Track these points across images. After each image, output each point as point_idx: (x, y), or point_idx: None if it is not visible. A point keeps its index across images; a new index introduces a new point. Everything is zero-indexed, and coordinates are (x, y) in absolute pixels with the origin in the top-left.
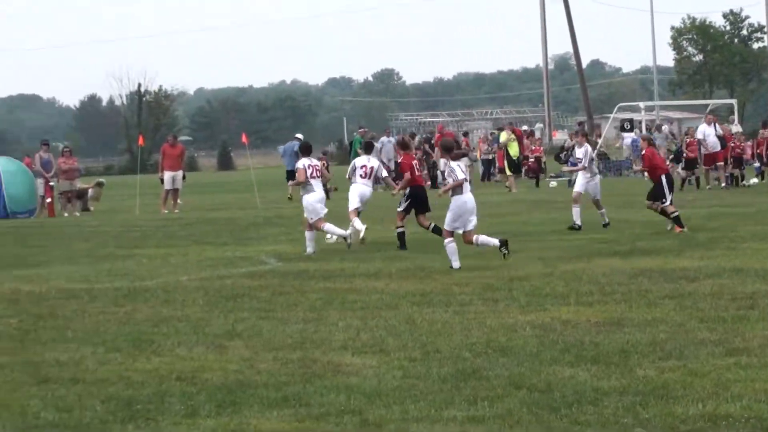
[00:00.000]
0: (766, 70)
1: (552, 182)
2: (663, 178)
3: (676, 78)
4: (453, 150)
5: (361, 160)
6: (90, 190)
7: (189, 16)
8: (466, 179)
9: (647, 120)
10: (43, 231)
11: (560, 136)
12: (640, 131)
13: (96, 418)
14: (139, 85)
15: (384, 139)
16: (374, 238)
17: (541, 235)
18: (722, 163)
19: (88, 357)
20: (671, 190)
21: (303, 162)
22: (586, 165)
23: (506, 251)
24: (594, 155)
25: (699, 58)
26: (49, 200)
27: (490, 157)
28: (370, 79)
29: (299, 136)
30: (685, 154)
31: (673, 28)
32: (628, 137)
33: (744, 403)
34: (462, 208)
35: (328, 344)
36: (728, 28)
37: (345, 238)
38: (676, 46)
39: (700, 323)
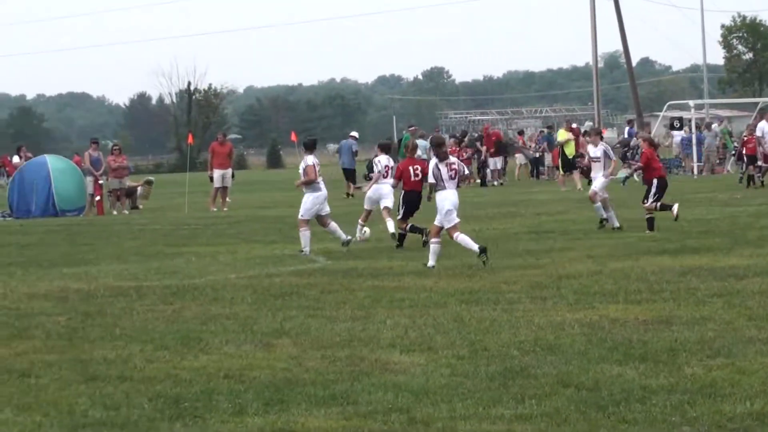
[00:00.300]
0: None
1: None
2: (655, 180)
3: (725, 76)
4: (442, 147)
5: (383, 161)
6: (139, 189)
7: (238, 14)
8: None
9: (697, 118)
10: (92, 229)
11: (609, 134)
12: (690, 129)
13: (143, 416)
14: (189, 83)
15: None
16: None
17: (590, 233)
18: None
19: (136, 355)
20: (659, 195)
21: (311, 159)
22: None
23: (486, 258)
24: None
25: (749, 56)
26: (98, 198)
27: (537, 155)
28: (420, 77)
29: (354, 134)
30: (744, 150)
31: (723, 26)
32: (678, 135)
33: None
34: (444, 204)
35: (375, 342)
36: None
37: (343, 243)
38: (726, 44)
39: (748, 321)
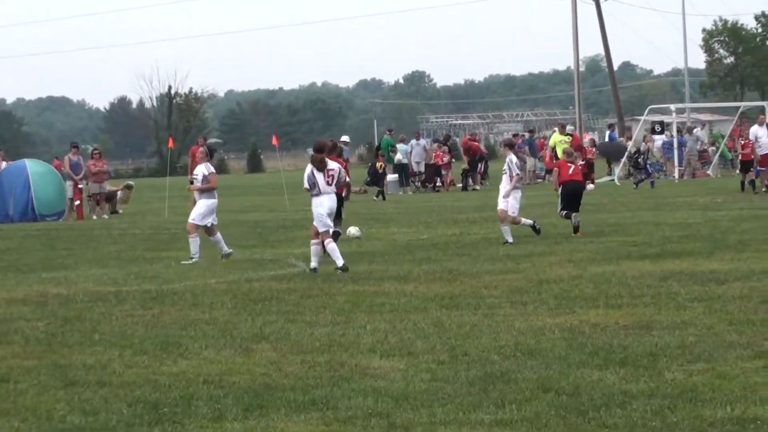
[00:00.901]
0: None
1: (589, 185)
2: (560, 188)
3: (707, 80)
4: (323, 151)
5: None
6: (119, 193)
7: (220, 18)
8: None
9: (678, 122)
10: (72, 234)
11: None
12: (671, 133)
13: (122, 422)
14: (169, 87)
15: (413, 141)
16: (403, 241)
17: (570, 237)
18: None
19: (115, 360)
20: (567, 199)
21: (211, 167)
22: (515, 176)
23: (342, 272)
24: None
25: (730, 60)
26: (77, 203)
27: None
28: (401, 81)
29: (345, 138)
30: (740, 156)
31: (704, 30)
32: (659, 139)
33: None
34: (320, 210)
35: (355, 347)
36: (760, 30)
37: (223, 255)
38: (708, 48)
39: (729, 326)
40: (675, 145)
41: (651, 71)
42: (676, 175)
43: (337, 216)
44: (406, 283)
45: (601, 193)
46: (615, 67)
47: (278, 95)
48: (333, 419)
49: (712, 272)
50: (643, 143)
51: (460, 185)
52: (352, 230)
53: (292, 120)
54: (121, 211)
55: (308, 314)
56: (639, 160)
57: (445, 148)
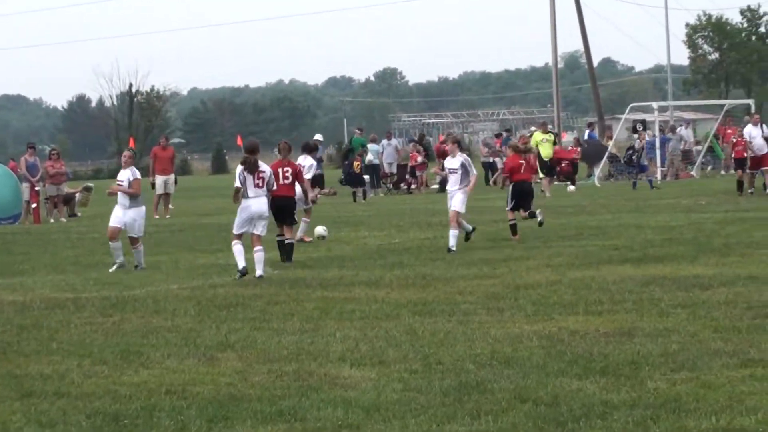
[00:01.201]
0: None
1: (570, 186)
2: (511, 186)
3: (690, 77)
4: (255, 153)
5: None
6: (78, 195)
7: (182, 13)
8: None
9: (660, 121)
10: (29, 238)
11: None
12: (654, 133)
13: None
14: (130, 85)
15: (385, 141)
16: (374, 245)
17: (549, 241)
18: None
19: (74, 370)
20: (516, 199)
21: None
22: (472, 178)
23: (241, 276)
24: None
25: (715, 56)
26: (34, 206)
27: (491, 160)
28: (372, 78)
29: (319, 137)
30: (732, 155)
31: (688, 25)
32: None
33: (759, 416)
34: (245, 213)
35: (325, 356)
36: (745, 25)
37: (120, 265)
38: (691, 43)
39: (713, 333)
40: (657, 144)
41: (632, 68)
42: (659, 176)
43: (290, 221)
44: (378, 288)
45: (581, 195)
46: (595, 64)
47: (244, 93)
48: (301, 431)
49: (696, 277)
50: (638, 141)
51: (435, 186)
52: (320, 230)
53: (259, 119)
54: (79, 214)
55: (275, 321)
56: (633, 158)
57: (420, 148)
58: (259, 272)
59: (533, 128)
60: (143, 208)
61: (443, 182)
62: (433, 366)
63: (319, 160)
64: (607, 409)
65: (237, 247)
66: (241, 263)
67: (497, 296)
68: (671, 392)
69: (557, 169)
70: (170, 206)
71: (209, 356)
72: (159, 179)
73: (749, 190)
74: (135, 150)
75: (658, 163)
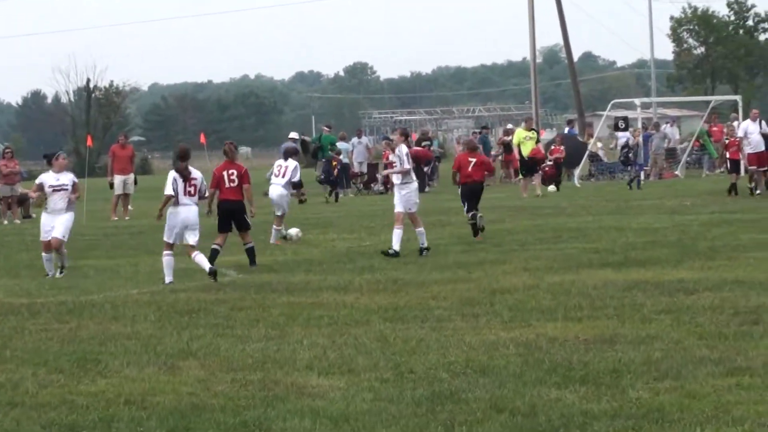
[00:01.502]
0: None
1: (551, 187)
2: (460, 188)
3: (675, 72)
4: (187, 158)
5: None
6: (32, 195)
7: (143, 5)
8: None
9: (643, 118)
10: None
11: (548, 135)
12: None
13: None
14: (88, 81)
15: (355, 139)
16: (344, 248)
17: (526, 243)
18: (764, 168)
19: (28, 379)
20: (467, 200)
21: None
22: (407, 167)
23: (215, 279)
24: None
25: (700, 50)
26: None
27: None
28: (341, 73)
29: (294, 135)
30: (727, 155)
31: (672, 18)
32: (623, 137)
33: (746, 427)
34: (173, 220)
35: (291, 364)
36: (732, 18)
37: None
38: (676, 37)
39: (698, 340)
40: (640, 143)
41: (614, 63)
42: (641, 176)
43: (242, 225)
44: (347, 293)
45: (560, 196)
46: (575, 58)
47: (207, 89)
48: None
49: (681, 281)
50: (632, 137)
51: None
52: (293, 232)
53: (222, 116)
54: (34, 215)
55: (240, 328)
56: (629, 155)
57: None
58: (208, 267)
59: (510, 125)
60: (73, 213)
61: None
62: (405, 375)
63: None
64: (587, 419)
65: (166, 259)
66: (168, 277)
67: (472, 301)
68: (654, 402)
69: (541, 171)
70: (129, 207)
71: (170, 364)
72: (118, 179)
73: (757, 191)
74: (90, 149)
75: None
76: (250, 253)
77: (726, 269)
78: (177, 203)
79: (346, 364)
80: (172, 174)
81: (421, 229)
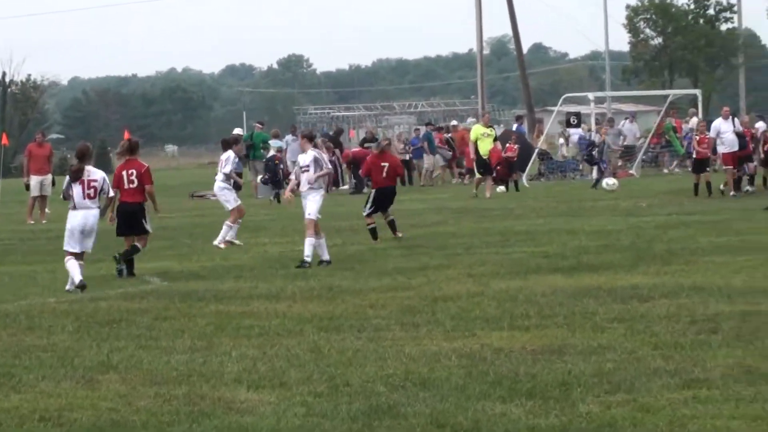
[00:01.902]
0: (735, 56)
1: (500, 187)
2: (373, 192)
3: (631, 64)
4: (84, 159)
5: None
6: None
7: None
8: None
9: (597, 113)
10: None
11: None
12: (589, 127)
13: None
14: (3, 75)
15: (289, 137)
16: (276, 253)
17: (471, 248)
18: (732, 167)
19: None
20: (376, 205)
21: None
22: (325, 170)
23: (81, 289)
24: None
25: (658, 41)
26: None
27: (407, 157)
28: (275, 66)
29: (238, 131)
30: (695, 153)
31: (628, 6)
32: (575, 133)
33: None
34: (71, 224)
35: (219, 377)
36: (692, 6)
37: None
38: (632, 27)
39: (653, 350)
40: (607, 140)
41: (566, 54)
42: (594, 174)
43: (138, 230)
44: (279, 302)
45: (508, 197)
46: (525, 50)
47: (131, 83)
48: None
49: (635, 288)
50: (598, 135)
51: (345, 187)
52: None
53: (148, 112)
54: None
55: (164, 339)
56: (593, 153)
57: (330, 144)
58: (78, 279)
59: (454, 121)
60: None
61: (359, 183)
62: (340, 388)
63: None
64: None
65: (70, 263)
66: (77, 277)
67: (413, 310)
68: (605, 416)
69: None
70: (47, 210)
71: (89, 378)
72: (34, 180)
73: (732, 193)
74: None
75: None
76: (128, 254)
77: (683, 274)
78: (75, 207)
79: (278, 377)
80: (67, 179)
81: (320, 241)
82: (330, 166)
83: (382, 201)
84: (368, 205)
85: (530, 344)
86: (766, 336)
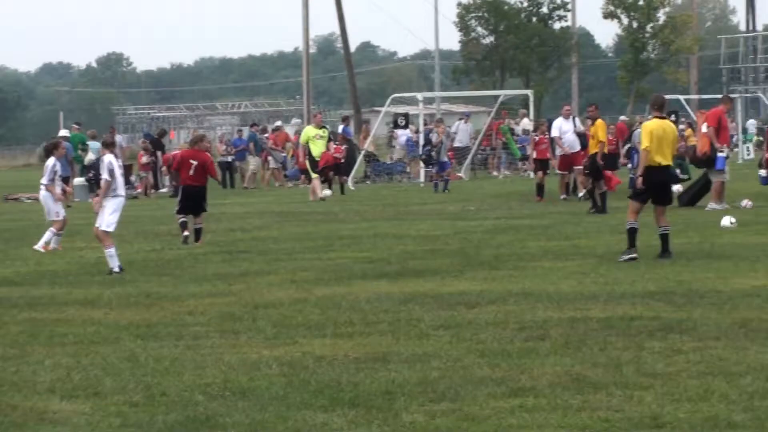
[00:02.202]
0: (568, 55)
1: (326, 191)
2: (181, 188)
3: (462, 64)
4: None
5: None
6: None
7: None
8: None
9: (426, 114)
10: None
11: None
12: (417, 128)
13: None
14: None
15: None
16: (92, 258)
17: (294, 253)
18: (581, 167)
19: None
20: (181, 202)
21: None
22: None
23: None
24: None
25: (490, 40)
26: None
27: (229, 159)
28: (94, 65)
29: (64, 133)
30: (534, 154)
31: (460, 4)
32: (403, 135)
33: None
34: None
35: (31, 387)
36: (525, 4)
37: None
38: (463, 26)
39: (479, 358)
40: (421, 141)
41: (395, 53)
42: (422, 177)
43: None
44: (95, 309)
45: (332, 201)
46: (352, 49)
47: None
48: None
49: (462, 294)
50: (435, 134)
51: (164, 190)
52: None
53: None
54: None
55: None
56: (431, 154)
57: (149, 146)
58: None
59: (278, 122)
60: None
61: (176, 187)
62: (157, 398)
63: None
64: None
65: None
66: None
67: (233, 317)
68: (430, 425)
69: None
70: None
71: None
72: None
73: (561, 196)
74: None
75: (422, 163)
76: None
77: (511, 280)
78: None
79: (92, 387)
80: None
81: (111, 250)
82: (107, 177)
83: (189, 202)
84: (177, 204)
85: (353, 352)
86: (595, 343)
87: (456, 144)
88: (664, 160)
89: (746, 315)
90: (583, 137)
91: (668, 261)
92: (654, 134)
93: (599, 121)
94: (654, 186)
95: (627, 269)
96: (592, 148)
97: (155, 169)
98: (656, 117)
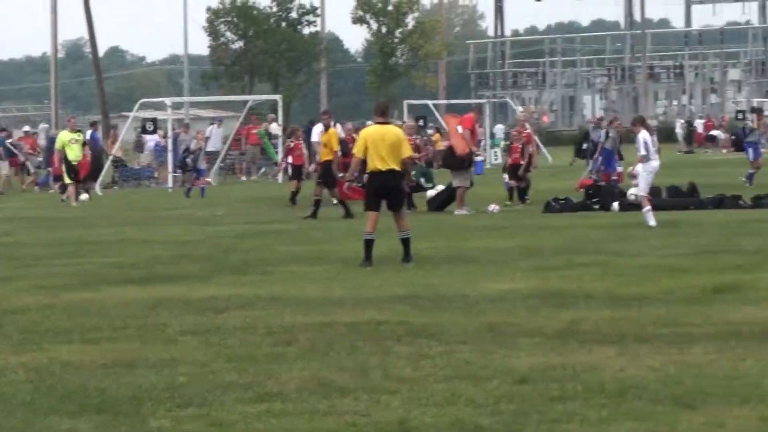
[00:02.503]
0: (317, 60)
1: (83, 195)
2: None
3: (211, 69)
4: None
5: None
6: None
7: None
8: None
9: (174, 120)
10: None
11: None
12: (165, 133)
13: None
14: None
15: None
16: None
17: (42, 258)
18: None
19: None
20: None
21: None
22: None
23: None
24: None
25: (239, 45)
26: None
27: None
28: None
29: None
30: (290, 160)
31: (209, 9)
32: (152, 140)
33: None
34: None
35: None
36: (275, 9)
37: None
38: (213, 30)
39: (227, 363)
40: (169, 146)
41: (144, 58)
42: (170, 182)
43: None
44: None
45: (83, 205)
46: (101, 53)
47: None
48: None
49: (211, 299)
50: (195, 141)
51: None
52: None
53: None
54: None
55: None
56: (187, 160)
57: None
58: None
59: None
60: None
61: None
62: None
63: None
64: None
65: None
66: None
67: None
68: (177, 431)
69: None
70: None
71: None
72: None
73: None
74: None
75: (170, 168)
76: None
77: (260, 285)
78: None
79: None
80: None
81: None
82: None
83: None
84: None
85: (101, 358)
86: (342, 348)
87: (209, 148)
88: (384, 164)
89: (493, 319)
90: (345, 144)
91: (411, 265)
92: (369, 140)
93: (331, 130)
94: (379, 191)
95: (374, 274)
96: (324, 156)
97: None
98: (378, 123)
